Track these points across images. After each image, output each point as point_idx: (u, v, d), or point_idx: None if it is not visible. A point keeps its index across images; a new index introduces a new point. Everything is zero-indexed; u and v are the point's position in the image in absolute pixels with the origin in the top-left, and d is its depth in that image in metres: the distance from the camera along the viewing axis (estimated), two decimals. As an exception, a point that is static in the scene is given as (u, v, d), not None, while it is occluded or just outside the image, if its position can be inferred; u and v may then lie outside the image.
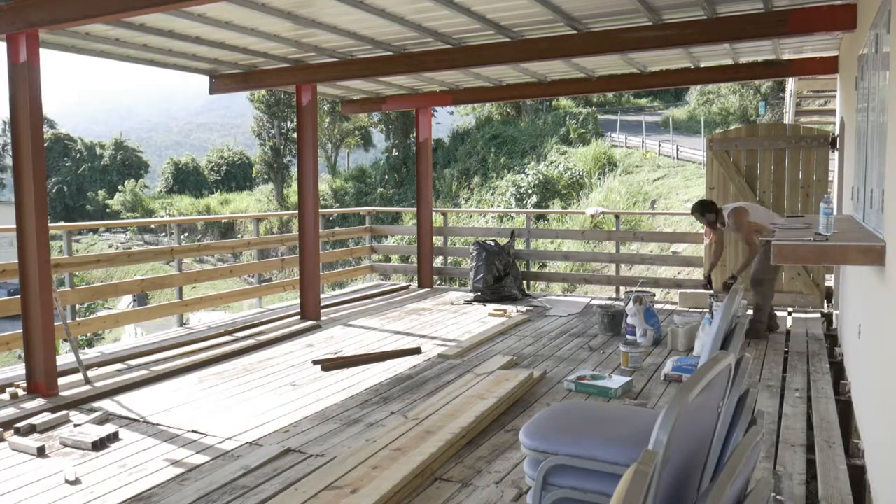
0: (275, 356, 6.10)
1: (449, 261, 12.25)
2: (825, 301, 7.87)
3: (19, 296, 5.04)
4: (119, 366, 5.71)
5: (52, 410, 4.55)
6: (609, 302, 8.19)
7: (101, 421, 4.39)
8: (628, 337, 6.31)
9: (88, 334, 16.18)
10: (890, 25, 3.04)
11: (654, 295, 6.91)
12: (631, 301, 6.34)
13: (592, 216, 13.54)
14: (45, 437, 4.14)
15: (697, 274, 9.44)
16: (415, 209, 10.12)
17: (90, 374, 5.35)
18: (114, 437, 4.09)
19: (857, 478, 3.59)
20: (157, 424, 4.36)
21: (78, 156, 58.43)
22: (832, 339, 6.66)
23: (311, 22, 5.78)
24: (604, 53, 6.36)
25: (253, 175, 52.62)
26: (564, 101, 37.65)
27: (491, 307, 8.34)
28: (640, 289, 7.38)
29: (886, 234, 3.01)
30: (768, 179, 8.03)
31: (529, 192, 28.52)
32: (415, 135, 12.47)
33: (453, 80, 8.54)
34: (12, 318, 5.73)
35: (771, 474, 3.43)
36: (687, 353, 5.87)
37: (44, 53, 5.04)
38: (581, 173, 29.06)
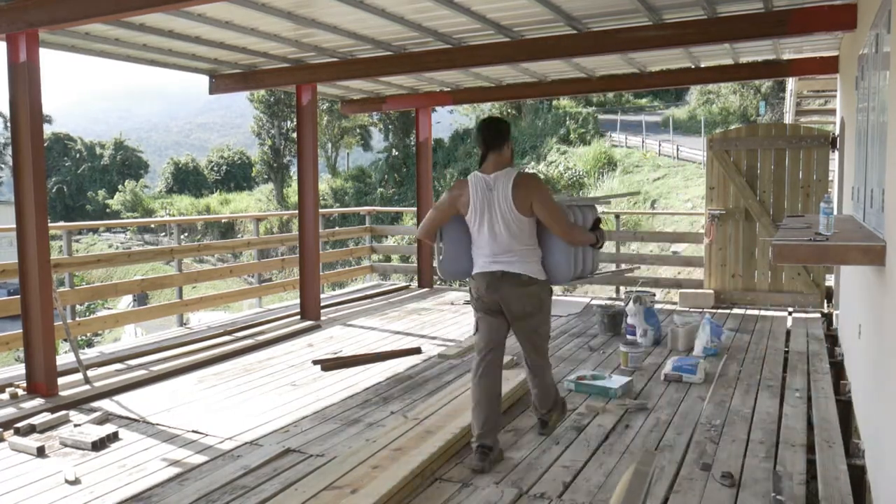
0: (275, 356, 6.10)
1: (449, 261, 12.23)
2: (825, 301, 7.87)
3: (19, 296, 5.04)
4: (119, 366, 5.71)
5: (52, 410, 4.55)
6: (609, 302, 8.19)
7: (100, 421, 4.38)
8: (628, 337, 6.30)
9: (88, 334, 16.20)
10: (890, 25, 3.04)
11: (654, 295, 6.91)
12: (631, 301, 6.34)
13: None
14: (45, 437, 4.13)
15: (698, 274, 9.44)
16: (415, 209, 10.11)
17: (90, 374, 5.35)
18: (114, 437, 4.09)
19: (857, 478, 3.59)
20: (157, 424, 4.36)
21: (78, 156, 58.47)
22: (832, 339, 6.65)
23: (311, 22, 5.77)
24: (604, 53, 6.35)
25: (253, 175, 52.64)
26: (564, 101, 37.66)
27: (491, 307, 8.31)
28: (640, 289, 7.38)
29: (886, 234, 3.01)
30: (768, 179, 8.03)
31: (529, 191, 28.45)
32: (415, 135, 12.47)
33: (453, 79, 8.54)
34: (12, 318, 5.73)
35: (771, 474, 3.43)
36: (687, 353, 5.87)
37: (44, 53, 5.04)
38: (581, 173, 29.08)
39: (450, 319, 7.72)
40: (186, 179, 55.05)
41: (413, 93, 9.29)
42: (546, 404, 4.04)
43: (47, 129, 46.61)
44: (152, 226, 42.65)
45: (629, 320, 6.38)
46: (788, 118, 15.17)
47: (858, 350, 4.32)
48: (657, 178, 27.24)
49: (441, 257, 3.90)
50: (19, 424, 4.25)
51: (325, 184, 39.79)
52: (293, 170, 43.70)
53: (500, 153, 3.76)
